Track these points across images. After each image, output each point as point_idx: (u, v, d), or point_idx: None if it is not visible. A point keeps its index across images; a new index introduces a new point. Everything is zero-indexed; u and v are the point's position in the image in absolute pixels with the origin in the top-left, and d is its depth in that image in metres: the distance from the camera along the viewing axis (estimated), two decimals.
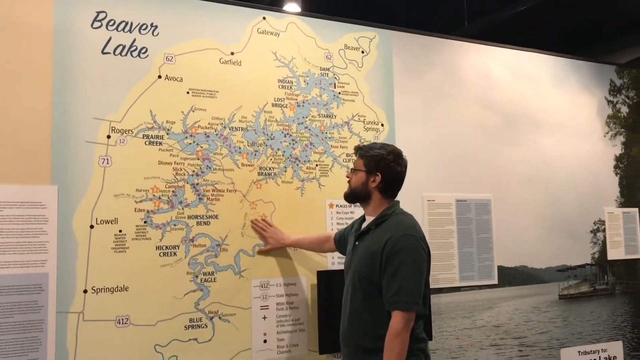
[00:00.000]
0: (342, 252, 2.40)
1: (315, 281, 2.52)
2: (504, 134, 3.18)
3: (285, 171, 2.54)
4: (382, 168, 2.15)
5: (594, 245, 3.38)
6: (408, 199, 2.72)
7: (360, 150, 2.23)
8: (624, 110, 3.60)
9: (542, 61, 3.36)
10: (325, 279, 2.52)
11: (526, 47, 3.33)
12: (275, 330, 2.44)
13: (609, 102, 3.55)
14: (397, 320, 1.95)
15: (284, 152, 2.54)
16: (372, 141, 2.73)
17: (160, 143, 2.30)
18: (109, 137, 2.22)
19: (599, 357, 3.26)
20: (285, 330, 2.46)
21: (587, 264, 3.34)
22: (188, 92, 2.38)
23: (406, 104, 2.87)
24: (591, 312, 3.31)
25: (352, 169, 2.25)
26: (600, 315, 3.34)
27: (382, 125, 2.79)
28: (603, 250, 3.40)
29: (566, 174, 3.36)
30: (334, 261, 2.59)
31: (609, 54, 3.73)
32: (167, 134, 2.32)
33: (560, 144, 3.36)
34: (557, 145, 3.35)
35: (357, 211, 2.65)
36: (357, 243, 2.18)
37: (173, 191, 2.30)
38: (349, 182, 2.23)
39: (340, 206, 2.64)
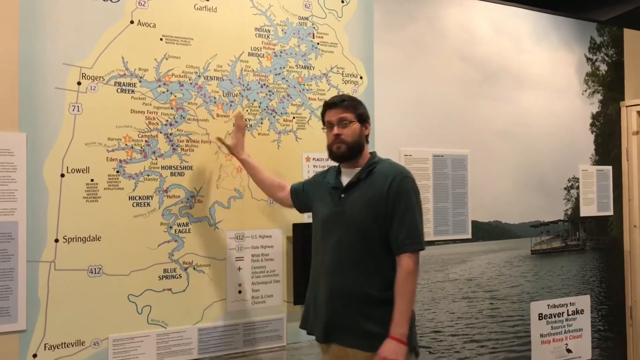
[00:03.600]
0: (299, 206, 2.36)
1: (290, 234, 2.52)
2: (483, 90, 3.17)
3: (262, 123, 2.50)
4: (367, 117, 2.20)
5: (567, 202, 3.43)
6: (385, 153, 2.70)
7: (343, 102, 2.15)
8: (603, 68, 3.59)
9: (523, 16, 3.32)
10: (301, 231, 2.52)
11: (508, 1, 3.29)
12: (250, 282, 2.45)
13: (588, 59, 3.54)
14: (409, 261, 2.01)
15: (261, 103, 2.50)
16: (350, 94, 2.70)
17: (133, 91, 2.24)
18: (79, 83, 2.15)
19: (567, 311, 3.35)
20: (260, 281, 2.47)
21: (560, 220, 3.40)
22: (161, 39, 2.31)
23: (386, 57, 2.82)
24: (562, 267, 3.38)
25: (340, 122, 2.12)
26: (570, 270, 3.41)
27: (361, 78, 2.75)
28: (576, 207, 3.46)
29: (543, 130, 3.38)
30: (310, 214, 2.58)
31: (590, 10, 3.69)
32: (140, 81, 2.26)
33: (538, 100, 3.36)
34: (535, 102, 3.35)
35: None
36: (342, 196, 2.12)
37: (146, 141, 2.26)
38: (339, 137, 2.11)
39: (317, 159, 2.62)
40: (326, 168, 2.32)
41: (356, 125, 2.13)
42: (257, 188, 2.45)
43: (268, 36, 2.53)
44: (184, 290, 2.30)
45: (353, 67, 2.72)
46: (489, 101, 3.18)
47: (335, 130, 2.13)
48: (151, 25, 2.29)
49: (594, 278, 3.49)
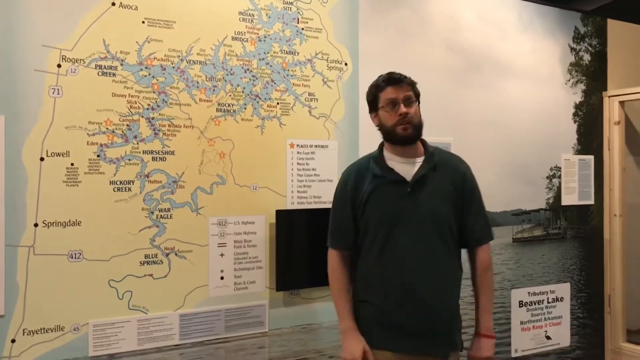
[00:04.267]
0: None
1: (273, 220, 2.52)
2: (468, 78, 3.17)
3: (245, 108, 2.48)
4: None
5: (549, 190, 3.45)
6: (370, 140, 2.71)
7: (406, 78, 2.00)
8: (587, 58, 3.61)
9: (508, 5, 3.32)
10: (284, 218, 2.52)
11: None
12: (232, 268, 2.44)
13: (572, 49, 3.56)
14: (487, 254, 2.06)
15: (244, 88, 2.48)
16: (335, 81, 2.69)
17: (114, 74, 2.21)
18: (59, 66, 2.11)
19: (547, 298, 3.39)
20: (242, 267, 2.47)
21: (542, 209, 3.42)
22: (143, 22, 2.27)
23: (371, 43, 2.81)
24: (543, 255, 3.42)
25: (407, 100, 1.96)
26: (551, 258, 3.45)
27: (346, 64, 2.73)
28: (557, 196, 3.48)
29: (526, 119, 3.39)
30: (293, 201, 2.58)
31: (575, 0, 3.70)
32: (121, 65, 2.22)
33: (522, 89, 3.37)
34: (518, 91, 3.36)
35: (318, 152, 2.64)
36: (409, 190, 1.95)
37: (127, 125, 2.23)
38: (406, 116, 1.94)
39: (301, 146, 2.60)
40: (352, 167, 2.12)
41: (417, 105, 2.02)
42: (241, 174, 2.45)
43: (252, 20, 2.50)
44: (165, 276, 2.29)
45: (338, 53, 2.71)
46: (473, 90, 3.19)
47: (403, 108, 1.95)
48: (133, 7, 2.25)
49: (574, 266, 3.53)
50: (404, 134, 1.97)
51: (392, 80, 2.00)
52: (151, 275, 2.26)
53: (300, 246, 2.54)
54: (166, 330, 2.29)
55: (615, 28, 3.70)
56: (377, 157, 2.06)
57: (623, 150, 3.59)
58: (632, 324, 3.61)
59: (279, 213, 2.52)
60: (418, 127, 2.01)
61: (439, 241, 1.97)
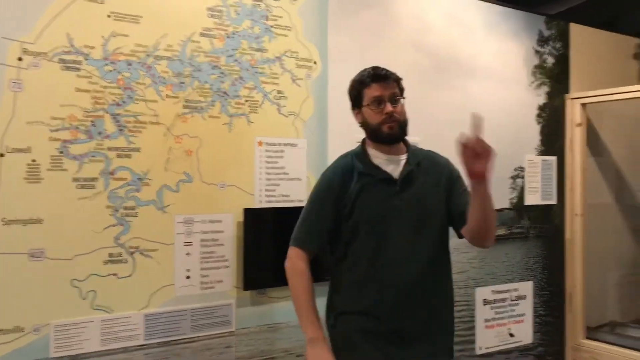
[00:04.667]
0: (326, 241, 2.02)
1: (241, 218, 2.49)
2: (435, 78, 3.20)
3: (213, 105, 2.45)
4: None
5: (512, 190, 3.51)
6: (339, 140, 2.72)
7: (392, 74, 1.94)
8: (550, 61, 3.68)
9: (475, 7, 3.36)
10: (252, 216, 2.50)
11: None
12: (199, 267, 2.41)
13: (536, 52, 3.62)
14: None
15: (212, 85, 2.45)
16: (304, 79, 2.68)
17: (78, 69, 2.16)
18: (20, 59, 2.05)
19: (511, 296, 3.45)
20: (209, 266, 2.44)
21: (506, 208, 3.48)
22: (109, 16, 2.22)
23: (340, 42, 2.81)
24: (506, 254, 3.47)
25: (393, 98, 1.91)
26: (514, 257, 3.51)
27: (315, 63, 2.73)
28: (521, 196, 3.55)
29: (491, 120, 3.41)
30: (262, 199, 2.56)
31: (539, 4, 3.77)
32: (86, 59, 2.17)
33: (488, 90, 3.42)
34: (484, 92, 3.40)
35: (287, 150, 2.62)
36: (398, 188, 1.92)
37: (92, 121, 2.18)
38: (392, 115, 1.90)
39: (270, 144, 2.59)
40: (336, 166, 2.03)
41: (403, 102, 1.96)
42: (208, 171, 2.42)
43: (221, 17, 2.47)
44: (130, 275, 2.24)
45: (307, 52, 2.70)
46: (440, 90, 3.22)
47: (389, 107, 1.91)
48: (98, 1, 2.20)
49: (536, 265, 3.60)
50: (390, 132, 1.93)
51: (378, 76, 1.94)
52: (115, 274, 2.21)
53: (268, 245, 2.53)
54: (131, 330, 2.24)
55: (577, 32, 3.79)
56: (360, 155, 2.01)
57: (584, 152, 3.67)
58: (591, 321, 3.70)
59: (246, 211, 2.50)
60: (404, 125, 1.97)
61: (434, 239, 1.94)
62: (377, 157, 1.99)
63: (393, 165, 1.98)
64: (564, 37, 3.74)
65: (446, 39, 3.23)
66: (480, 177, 1.69)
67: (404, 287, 1.89)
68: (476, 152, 1.66)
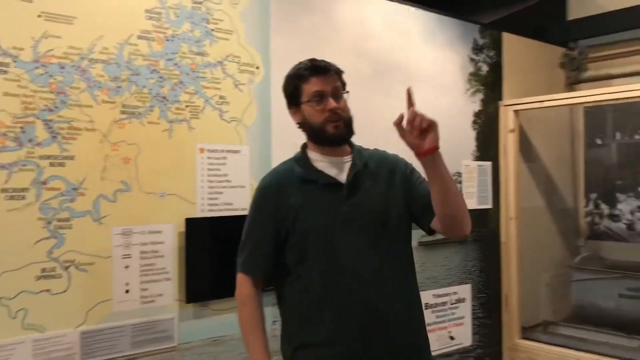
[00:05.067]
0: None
1: (183, 229, 2.40)
2: (375, 84, 3.21)
3: (152, 111, 2.35)
4: None
5: None
6: (283, 146, 2.67)
7: (333, 66, 1.77)
8: (485, 69, 3.78)
9: (412, 14, 3.40)
10: (194, 226, 2.41)
11: None
12: (138, 280, 2.30)
13: (471, 60, 3.71)
14: None
15: (151, 90, 2.35)
16: (246, 84, 2.62)
17: (6, 72, 2.01)
18: None
19: (450, 300, 3.50)
20: (149, 279, 2.33)
21: None
22: (40, 16, 2.08)
23: (283, 47, 2.76)
24: (446, 258, 3.53)
25: (336, 93, 1.74)
26: (453, 260, 3.57)
27: (258, 68, 2.67)
28: None
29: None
30: (204, 208, 2.48)
31: (474, 13, 3.88)
32: (15, 62, 2.02)
33: (425, 96, 3.46)
34: (422, 98, 3.41)
35: (230, 157, 2.55)
36: (346, 192, 1.73)
37: (21, 127, 2.03)
38: (336, 110, 1.72)
39: (212, 151, 2.51)
40: (271, 177, 1.86)
41: (345, 97, 1.78)
42: (147, 180, 2.31)
43: (159, 19, 2.38)
44: (64, 291, 2.11)
45: (249, 56, 2.64)
46: (380, 96, 3.23)
47: (332, 102, 1.71)
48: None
49: (474, 268, 3.68)
50: (335, 132, 1.74)
51: (317, 69, 1.75)
52: (48, 290, 2.07)
53: (211, 256, 2.45)
54: (65, 349, 2.10)
55: (509, 41, 3.91)
56: (301, 160, 1.82)
57: (517, 157, 3.78)
58: (526, 321, 3.82)
59: (188, 221, 2.40)
60: (349, 123, 1.78)
61: (394, 246, 1.76)
62: (320, 160, 1.80)
63: (337, 168, 1.78)
64: (497, 46, 3.85)
65: (386, 46, 3.25)
66: (434, 150, 1.57)
67: (365, 309, 1.68)
68: (421, 127, 1.56)
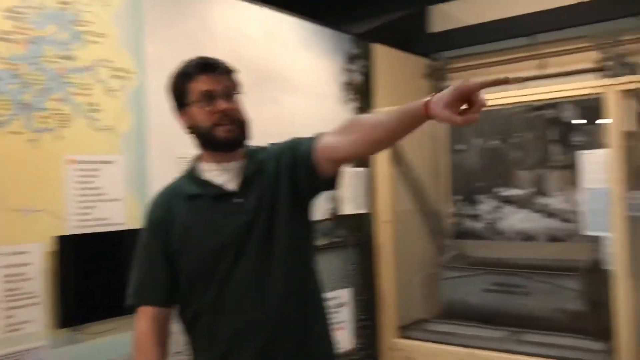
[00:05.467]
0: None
1: (52, 248, 2.20)
2: (253, 92, 3.16)
3: (14, 120, 2.13)
4: None
5: (330, 201, 3.63)
6: (160, 156, 2.56)
7: (220, 63, 1.65)
8: (358, 78, 3.89)
9: (289, 23, 3.42)
10: (65, 244, 2.22)
11: (279, 7, 3.35)
12: (2, 307, 2.06)
13: (346, 69, 3.81)
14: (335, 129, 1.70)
15: (12, 96, 2.13)
16: (119, 90, 2.46)
17: None
18: None
19: (333, 304, 3.55)
20: (14, 305, 2.10)
21: (325, 219, 3.58)
22: None
23: (158, 52, 2.64)
24: (329, 263, 3.56)
25: (228, 93, 1.62)
26: (335, 265, 3.63)
27: (132, 73, 2.52)
28: (338, 206, 3.68)
29: (307, 133, 3.51)
30: (76, 224, 2.29)
31: (349, 23, 3.98)
32: None
33: (303, 105, 3.50)
34: (301, 107, 3.48)
35: (103, 168, 2.39)
36: (239, 201, 1.60)
37: None
38: (228, 112, 1.59)
39: (83, 162, 2.33)
40: (156, 197, 1.73)
41: (239, 97, 1.65)
42: (9, 196, 2.10)
43: (21, 19, 2.16)
44: None
45: (123, 61, 2.49)
46: (259, 105, 3.20)
47: (223, 104, 1.58)
48: None
49: (354, 272, 3.76)
50: (226, 136, 1.60)
51: (207, 66, 1.62)
52: None
53: (85, 275, 2.26)
54: None
55: (380, 51, 4.05)
56: (191, 172, 1.69)
57: (390, 162, 3.92)
58: (403, 320, 3.96)
59: (58, 239, 2.21)
60: (243, 126, 1.65)
61: (286, 256, 1.61)
62: (211, 170, 1.66)
63: (228, 175, 1.65)
64: (368, 56, 3.98)
65: (264, 54, 3.24)
66: (465, 122, 1.30)
67: (258, 335, 1.57)
68: (473, 100, 1.30)
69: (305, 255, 1.72)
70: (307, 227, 1.75)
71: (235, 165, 1.67)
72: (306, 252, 1.73)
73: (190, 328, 1.69)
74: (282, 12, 3.37)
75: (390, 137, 1.51)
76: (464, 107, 1.30)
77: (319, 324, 1.73)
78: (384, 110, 1.50)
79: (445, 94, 1.27)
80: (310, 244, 1.75)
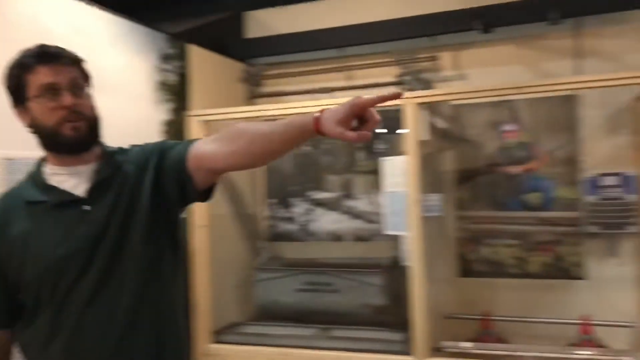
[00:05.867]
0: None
1: None
2: None
3: None
4: None
5: None
6: None
7: (63, 52, 1.45)
8: (173, 79, 3.81)
9: (100, 17, 3.24)
10: None
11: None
12: None
13: (161, 69, 3.70)
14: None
15: None
16: None
17: None
18: None
19: None
20: None
21: None
22: None
23: None
24: None
25: (74, 87, 1.44)
26: None
27: None
28: None
29: (116, 135, 3.34)
30: None
31: (163, 21, 3.86)
32: None
33: (114, 105, 3.31)
34: (112, 106, 3.27)
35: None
36: (88, 208, 1.41)
37: None
38: (75, 108, 1.41)
39: None
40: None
41: (89, 93, 1.47)
42: None
43: None
44: None
45: None
46: None
47: (69, 98, 1.40)
48: None
49: None
50: (73, 135, 1.42)
51: (47, 56, 1.44)
52: None
53: None
54: None
55: (196, 53, 4.00)
56: (34, 176, 1.49)
57: None
58: (216, 325, 3.95)
59: None
60: (94, 124, 1.50)
61: (150, 273, 1.47)
62: (57, 173, 1.47)
63: (77, 179, 1.47)
64: (184, 57, 3.91)
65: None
66: (358, 139, 1.24)
67: (104, 356, 1.40)
68: (366, 117, 1.26)
69: (166, 269, 1.55)
70: (170, 239, 1.58)
71: (87, 168, 1.49)
72: (167, 266, 1.55)
73: (25, 350, 1.50)
74: (91, 4, 3.16)
75: (274, 150, 1.41)
76: (354, 124, 1.27)
77: (173, 341, 1.55)
78: (267, 123, 1.42)
79: (339, 110, 1.23)
80: (172, 256, 1.58)
